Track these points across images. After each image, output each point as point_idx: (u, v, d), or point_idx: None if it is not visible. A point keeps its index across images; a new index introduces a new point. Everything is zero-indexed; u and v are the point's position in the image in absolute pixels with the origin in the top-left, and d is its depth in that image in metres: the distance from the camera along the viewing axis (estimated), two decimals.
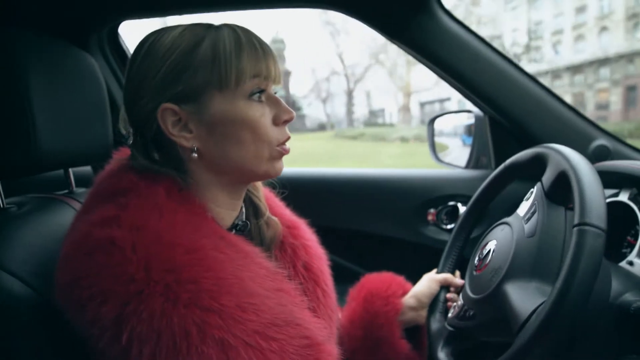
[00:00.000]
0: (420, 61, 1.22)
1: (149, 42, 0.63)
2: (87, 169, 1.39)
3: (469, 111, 1.40)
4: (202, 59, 0.61)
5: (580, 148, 1.14)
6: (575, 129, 1.18)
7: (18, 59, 0.72)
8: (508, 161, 0.93)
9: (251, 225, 0.76)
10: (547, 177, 0.75)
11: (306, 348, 0.56)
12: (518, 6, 26.38)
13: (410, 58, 1.21)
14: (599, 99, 22.98)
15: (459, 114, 1.60)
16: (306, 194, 0.95)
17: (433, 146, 1.57)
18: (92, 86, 0.90)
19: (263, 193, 0.81)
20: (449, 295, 0.98)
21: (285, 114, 0.66)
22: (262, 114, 0.64)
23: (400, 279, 1.03)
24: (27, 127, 0.72)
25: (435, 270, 1.03)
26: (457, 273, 1.02)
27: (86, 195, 0.66)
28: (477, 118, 1.36)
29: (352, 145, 18.07)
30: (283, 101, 0.67)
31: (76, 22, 1.26)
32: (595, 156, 1.15)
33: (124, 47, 1.43)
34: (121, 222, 0.54)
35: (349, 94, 32.92)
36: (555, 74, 24.89)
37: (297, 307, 0.61)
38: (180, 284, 0.50)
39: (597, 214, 0.60)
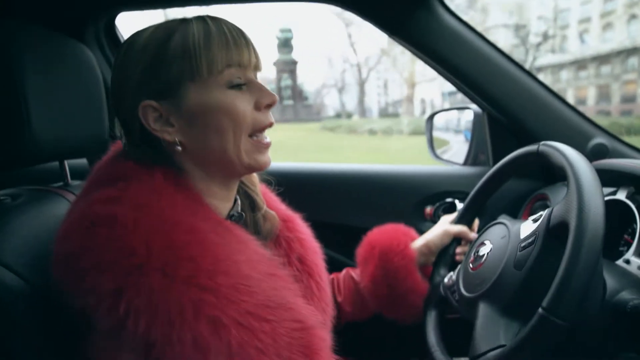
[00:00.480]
0: (419, 57, 1.22)
1: (127, 43, 0.66)
2: (83, 161, 1.38)
3: (467, 108, 1.40)
4: (173, 53, 0.62)
5: (579, 146, 1.14)
6: (574, 127, 1.17)
7: (14, 50, 0.71)
8: (506, 158, 0.93)
9: (247, 217, 0.77)
10: (559, 208, 0.70)
11: (298, 331, 0.57)
12: None
13: None
14: (625, 91, 22.46)
15: (458, 110, 1.60)
16: (302, 189, 0.95)
17: (431, 142, 1.57)
18: (89, 78, 0.90)
19: (259, 187, 0.82)
20: (458, 249, 1.02)
21: (267, 98, 0.66)
22: (241, 100, 0.64)
23: (403, 228, 1.06)
24: (23, 118, 0.71)
25: (451, 218, 1.04)
26: (476, 222, 1.04)
27: (85, 182, 0.67)
28: (475, 115, 1.36)
29: (320, 137, 18.51)
30: (265, 87, 0.67)
31: (73, 14, 1.24)
32: (593, 154, 1.15)
33: (122, 39, 1.41)
34: (123, 201, 0.56)
35: (361, 85, 32.89)
36: (581, 64, 24.29)
37: (291, 292, 0.62)
38: (179, 261, 0.52)
39: (595, 202, 0.62)
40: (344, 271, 1.09)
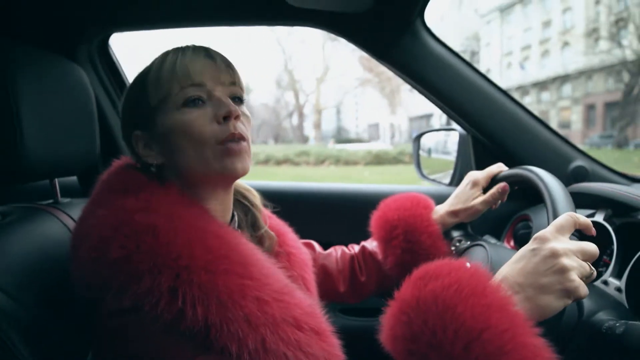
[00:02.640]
0: (405, 80, 1.25)
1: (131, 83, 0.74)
2: (72, 179, 1.38)
3: (453, 129, 1.43)
4: (142, 86, 0.71)
5: (560, 169, 1.18)
6: (555, 150, 1.21)
7: (6, 69, 0.72)
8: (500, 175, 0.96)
9: (248, 235, 0.81)
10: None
11: (310, 306, 0.63)
12: (493, 20, 26.46)
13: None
14: (561, 117, 22.77)
15: (443, 131, 1.63)
16: (290, 208, 0.97)
17: (418, 163, 1.60)
18: (81, 97, 0.91)
19: (261, 206, 0.86)
20: (456, 238, 1.00)
21: (222, 110, 0.68)
22: (195, 117, 0.68)
23: (420, 199, 1.03)
24: (14, 137, 0.72)
25: (477, 173, 1.01)
26: (500, 165, 0.99)
27: (95, 188, 0.71)
28: (461, 136, 1.40)
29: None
30: (224, 99, 0.69)
31: (66, 34, 1.26)
32: (573, 177, 1.18)
33: (114, 59, 1.43)
34: (158, 211, 0.61)
35: (299, 110, 31.58)
36: (524, 90, 24.83)
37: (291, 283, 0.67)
38: (216, 259, 0.59)
39: (567, 209, 0.67)
40: (360, 248, 1.07)
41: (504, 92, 1.21)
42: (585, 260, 0.61)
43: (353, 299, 1.04)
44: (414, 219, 0.99)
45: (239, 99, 0.73)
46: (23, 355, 0.61)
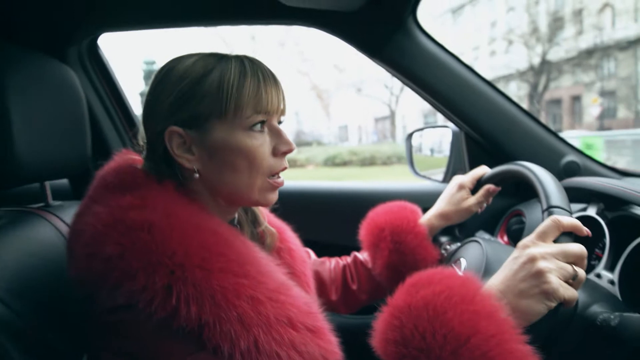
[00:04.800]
0: (398, 78, 1.25)
1: (166, 69, 0.70)
2: (64, 182, 1.37)
3: (445, 126, 1.44)
4: (208, 89, 0.66)
5: (552, 163, 1.19)
6: (547, 146, 1.22)
7: None
8: (485, 176, 0.97)
9: (249, 232, 0.82)
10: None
11: (308, 303, 0.64)
12: (445, 21, 26.21)
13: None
14: None
15: (436, 129, 1.64)
16: (289, 208, 0.97)
17: (411, 160, 1.60)
18: (71, 99, 0.90)
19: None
20: (445, 243, 1.03)
21: (284, 146, 0.71)
22: (260, 144, 0.69)
23: (408, 205, 1.06)
24: (4, 139, 0.71)
25: (462, 177, 1.04)
26: (484, 167, 1.02)
27: (92, 184, 0.69)
28: (453, 133, 1.40)
29: None
30: (285, 133, 0.71)
31: (55, 34, 1.25)
32: (565, 172, 1.19)
33: (104, 59, 1.42)
34: (154, 209, 0.61)
35: None
36: None
37: (289, 280, 0.68)
38: (212, 257, 0.58)
39: (559, 199, 0.68)
40: (352, 257, 1.09)
41: (496, 89, 1.22)
42: (571, 262, 0.62)
43: (345, 309, 1.04)
44: (400, 221, 1.02)
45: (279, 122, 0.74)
46: (12, 358, 0.60)
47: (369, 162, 12.14)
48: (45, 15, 1.19)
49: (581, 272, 0.62)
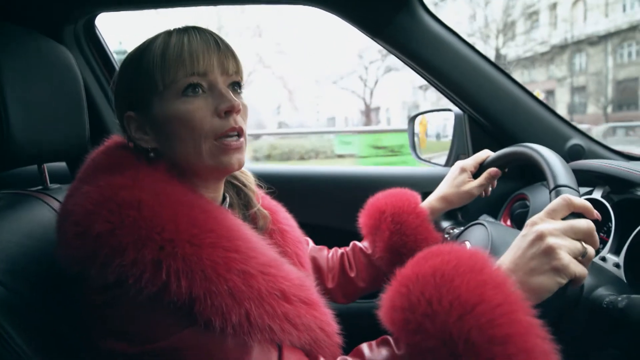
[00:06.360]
0: (401, 59, 1.23)
1: (124, 58, 0.71)
2: (62, 165, 1.35)
3: (449, 110, 1.42)
4: (141, 68, 0.68)
5: (557, 147, 1.17)
6: (552, 129, 1.20)
7: None
8: (487, 160, 0.96)
9: (241, 214, 0.82)
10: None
11: (300, 279, 0.65)
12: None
13: None
14: None
15: (439, 112, 1.62)
16: (287, 191, 0.96)
17: (413, 144, 1.59)
18: (68, 80, 0.88)
19: (254, 186, 0.86)
20: (448, 227, 1.03)
21: (224, 104, 0.67)
22: (196, 108, 0.66)
23: (408, 190, 1.05)
24: (0, 120, 0.70)
25: (464, 162, 1.02)
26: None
27: (82, 166, 0.70)
28: (456, 116, 1.38)
29: None
30: (228, 92, 0.67)
31: (51, 14, 1.22)
32: (570, 155, 1.18)
33: (101, 39, 1.39)
34: (143, 187, 0.61)
35: None
36: None
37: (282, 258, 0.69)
38: (202, 232, 0.58)
39: (568, 178, 0.68)
40: (351, 245, 1.08)
41: (502, 71, 1.20)
42: (580, 239, 0.60)
43: (342, 298, 1.03)
44: (401, 203, 1.01)
45: (239, 87, 0.72)
46: (17, 343, 0.60)
47: (287, 156, 12.02)
48: None
49: (590, 249, 0.61)
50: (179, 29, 0.69)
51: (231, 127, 0.67)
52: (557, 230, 0.60)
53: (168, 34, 0.68)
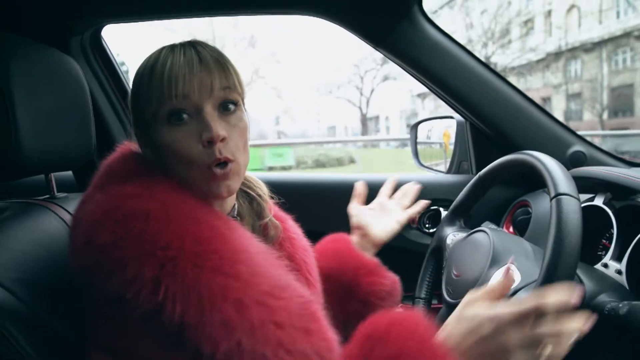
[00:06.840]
0: (403, 68, 1.24)
1: None
2: (68, 173, 1.37)
3: (450, 117, 1.43)
4: (135, 89, 0.68)
5: (558, 153, 1.18)
6: (553, 136, 1.21)
7: None
8: (488, 167, 0.96)
9: (252, 224, 0.82)
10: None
11: (303, 304, 0.62)
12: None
13: None
14: None
15: (441, 119, 1.62)
16: (288, 199, 0.96)
17: (416, 151, 1.59)
18: (75, 90, 0.90)
19: (267, 196, 0.85)
20: (450, 234, 1.03)
21: (205, 133, 0.63)
22: (181, 137, 0.64)
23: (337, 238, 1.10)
24: (9, 131, 0.71)
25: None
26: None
27: (97, 172, 0.69)
28: (458, 124, 1.39)
29: None
30: (210, 120, 0.64)
31: (58, 26, 1.24)
32: (572, 162, 1.18)
33: (108, 50, 1.41)
34: (150, 198, 0.60)
35: None
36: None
37: (290, 276, 0.67)
38: (206, 253, 0.57)
39: (568, 186, 0.69)
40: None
41: (502, 79, 1.21)
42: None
43: None
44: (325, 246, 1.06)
45: (233, 104, 0.67)
46: (26, 351, 0.60)
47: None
48: (47, 5, 1.18)
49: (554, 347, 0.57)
50: (168, 47, 0.67)
51: (215, 158, 0.64)
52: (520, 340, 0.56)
53: (159, 52, 0.67)
